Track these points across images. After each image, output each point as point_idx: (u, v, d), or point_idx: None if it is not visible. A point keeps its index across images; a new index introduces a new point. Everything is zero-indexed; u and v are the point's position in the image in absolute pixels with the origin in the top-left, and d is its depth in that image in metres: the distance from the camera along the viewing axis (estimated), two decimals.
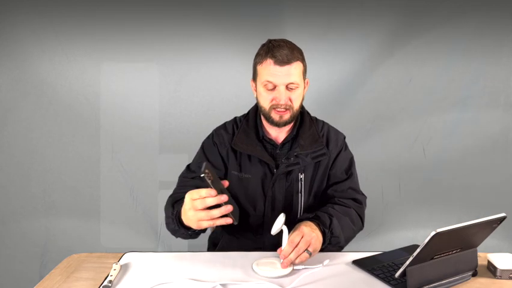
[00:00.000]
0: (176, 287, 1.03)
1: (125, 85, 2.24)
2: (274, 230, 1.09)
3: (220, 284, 1.03)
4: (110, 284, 1.02)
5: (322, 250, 1.18)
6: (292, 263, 1.10)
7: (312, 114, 1.45)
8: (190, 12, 2.19)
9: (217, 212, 1.00)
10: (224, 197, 0.99)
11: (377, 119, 2.29)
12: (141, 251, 1.24)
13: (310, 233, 1.11)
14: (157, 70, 2.23)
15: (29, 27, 2.17)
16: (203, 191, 1.00)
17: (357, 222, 1.31)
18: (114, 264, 1.12)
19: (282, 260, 1.09)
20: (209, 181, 0.97)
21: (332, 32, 2.22)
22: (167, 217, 1.21)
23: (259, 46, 1.30)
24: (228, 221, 1.02)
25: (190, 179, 1.33)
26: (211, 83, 2.25)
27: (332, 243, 1.20)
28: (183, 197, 1.10)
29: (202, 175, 0.95)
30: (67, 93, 2.22)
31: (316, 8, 2.19)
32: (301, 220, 1.20)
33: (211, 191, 0.99)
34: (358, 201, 1.35)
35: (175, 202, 1.22)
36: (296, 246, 1.08)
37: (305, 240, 1.09)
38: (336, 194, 1.34)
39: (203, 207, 1.00)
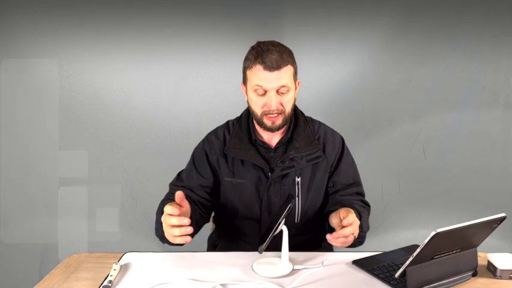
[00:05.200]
0: (176, 287, 1.03)
1: (125, 85, 2.24)
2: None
3: (220, 284, 1.03)
4: (110, 284, 1.02)
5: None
6: (333, 243, 1.11)
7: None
8: (190, 12, 2.19)
9: (176, 231, 1.03)
10: (186, 221, 1.02)
11: (377, 119, 2.29)
12: (141, 251, 1.24)
13: (356, 223, 1.12)
14: (157, 70, 2.24)
15: (29, 27, 2.17)
16: (168, 208, 1.03)
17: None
18: (114, 264, 1.12)
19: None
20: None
21: (332, 32, 2.22)
22: (156, 223, 1.21)
23: None
24: (186, 240, 1.04)
25: (179, 187, 1.32)
26: (211, 83, 2.25)
27: (358, 238, 1.19)
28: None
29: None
30: (67, 93, 2.22)
31: (317, 8, 2.19)
32: (331, 211, 1.20)
33: (175, 210, 1.02)
34: (366, 202, 1.37)
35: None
36: (351, 224, 1.09)
37: (356, 223, 1.11)
38: (345, 198, 1.34)
39: (169, 224, 1.04)
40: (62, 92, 2.22)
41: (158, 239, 1.24)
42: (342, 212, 1.13)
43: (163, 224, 1.07)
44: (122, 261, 1.17)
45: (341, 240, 1.09)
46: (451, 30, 2.21)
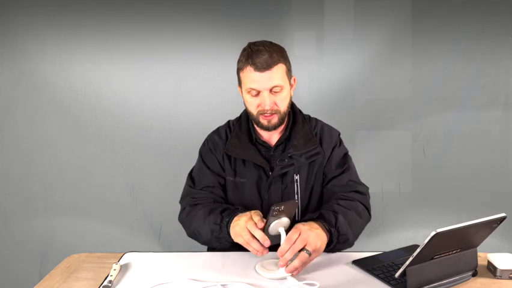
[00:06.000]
0: (176, 287, 1.03)
1: (125, 85, 2.24)
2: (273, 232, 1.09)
3: (221, 284, 1.03)
4: (110, 284, 1.02)
5: (331, 250, 1.16)
6: (295, 269, 1.05)
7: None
8: (190, 12, 2.19)
9: (255, 245, 1.08)
10: (267, 242, 1.06)
11: (377, 119, 2.29)
12: (141, 251, 1.24)
13: (307, 231, 1.07)
14: (157, 70, 2.23)
15: (29, 27, 2.17)
16: (257, 218, 1.09)
17: (364, 214, 1.28)
18: (114, 264, 1.12)
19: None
20: (274, 213, 1.05)
21: (332, 32, 2.22)
22: (213, 224, 1.20)
23: None
24: (258, 254, 1.09)
25: (199, 190, 1.34)
26: (211, 83, 2.25)
27: (340, 242, 1.17)
28: (229, 208, 1.23)
29: (274, 207, 1.05)
30: (66, 93, 2.22)
31: (316, 8, 2.19)
32: (304, 221, 1.18)
33: (260, 222, 1.07)
34: (361, 192, 1.32)
35: (223, 211, 1.22)
36: (293, 244, 1.05)
37: (301, 238, 1.06)
38: (337, 188, 1.32)
39: (248, 229, 1.08)
40: (62, 92, 2.22)
41: (205, 240, 1.27)
42: (293, 229, 1.11)
43: (241, 226, 1.10)
44: (122, 261, 1.17)
45: (296, 262, 1.05)
46: (451, 30, 2.21)
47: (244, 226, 1.09)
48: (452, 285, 1.03)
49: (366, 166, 2.16)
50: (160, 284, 1.04)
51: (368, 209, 1.32)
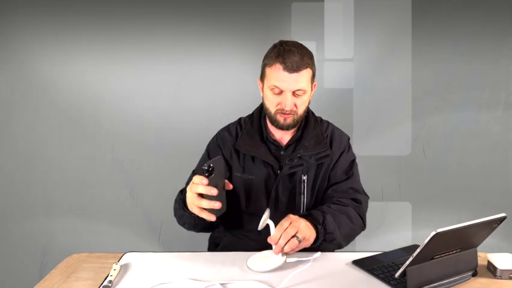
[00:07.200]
0: (176, 287, 1.03)
1: (125, 85, 2.24)
2: (260, 226, 1.10)
3: (220, 284, 1.03)
4: (110, 284, 1.02)
5: (319, 248, 1.17)
6: (285, 253, 1.09)
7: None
8: (190, 12, 2.19)
9: (204, 203, 1.03)
10: (214, 191, 1.01)
11: (377, 118, 2.29)
12: (141, 251, 1.24)
13: (297, 219, 1.11)
14: (157, 70, 2.24)
15: (29, 27, 2.18)
16: (197, 178, 1.03)
17: (357, 221, 1.29)
18: (114, 264, 1.12)
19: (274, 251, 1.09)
20: (206, 174, 1.01)
21: (331, 32, 2.22)
22: (175, 202, 1.26)
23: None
24: (212, 218, 1.05)
25: None
26: (211, 83, 2.25)
27: (326, 240, 1.18)
28: None
29: (204, 167, 1.00)
30: (67, 93, 2.23)
31: (316, 8, 2.19)
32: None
33: (203, 180, 1.01)
34: (357, 201, 1.34)
35: (184, 189, 1.24)
36: (284, 230, 1.08)
37: (293, 225, 1.09)
38: (336, 194, 1.33)
39: (194, 192, 1.03)
40: (62, 92, 2.23)
41: (177, 220, 1.30)
42: (284, 218, 1.13)
43: (189, 194, 1.06)
44: (122, 261, 1.17)
45: (286, 247, 1.08)
46: (451, 30, 2.22)
47: (190, 192, 1.05)
48: (452, 285, 1.03)
49: (367, 166, 2.16)
50: (160, 284, 1.04)
51: (362, 218, 1.33)
